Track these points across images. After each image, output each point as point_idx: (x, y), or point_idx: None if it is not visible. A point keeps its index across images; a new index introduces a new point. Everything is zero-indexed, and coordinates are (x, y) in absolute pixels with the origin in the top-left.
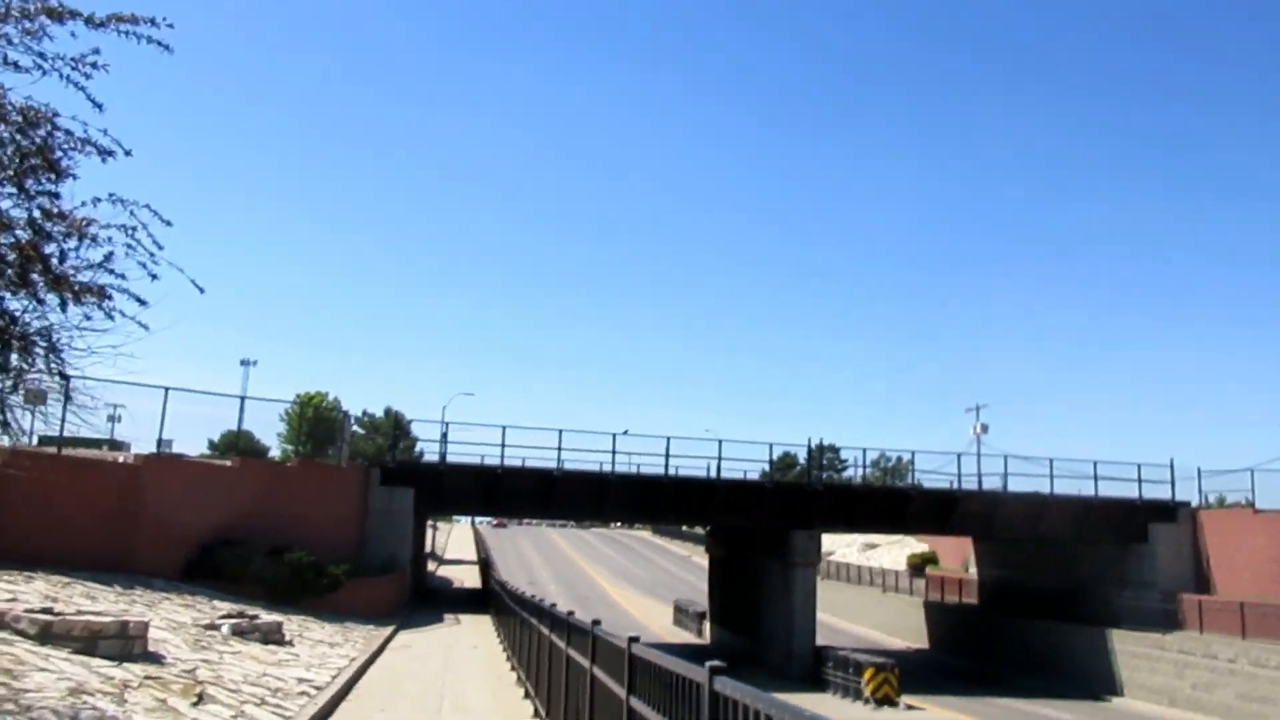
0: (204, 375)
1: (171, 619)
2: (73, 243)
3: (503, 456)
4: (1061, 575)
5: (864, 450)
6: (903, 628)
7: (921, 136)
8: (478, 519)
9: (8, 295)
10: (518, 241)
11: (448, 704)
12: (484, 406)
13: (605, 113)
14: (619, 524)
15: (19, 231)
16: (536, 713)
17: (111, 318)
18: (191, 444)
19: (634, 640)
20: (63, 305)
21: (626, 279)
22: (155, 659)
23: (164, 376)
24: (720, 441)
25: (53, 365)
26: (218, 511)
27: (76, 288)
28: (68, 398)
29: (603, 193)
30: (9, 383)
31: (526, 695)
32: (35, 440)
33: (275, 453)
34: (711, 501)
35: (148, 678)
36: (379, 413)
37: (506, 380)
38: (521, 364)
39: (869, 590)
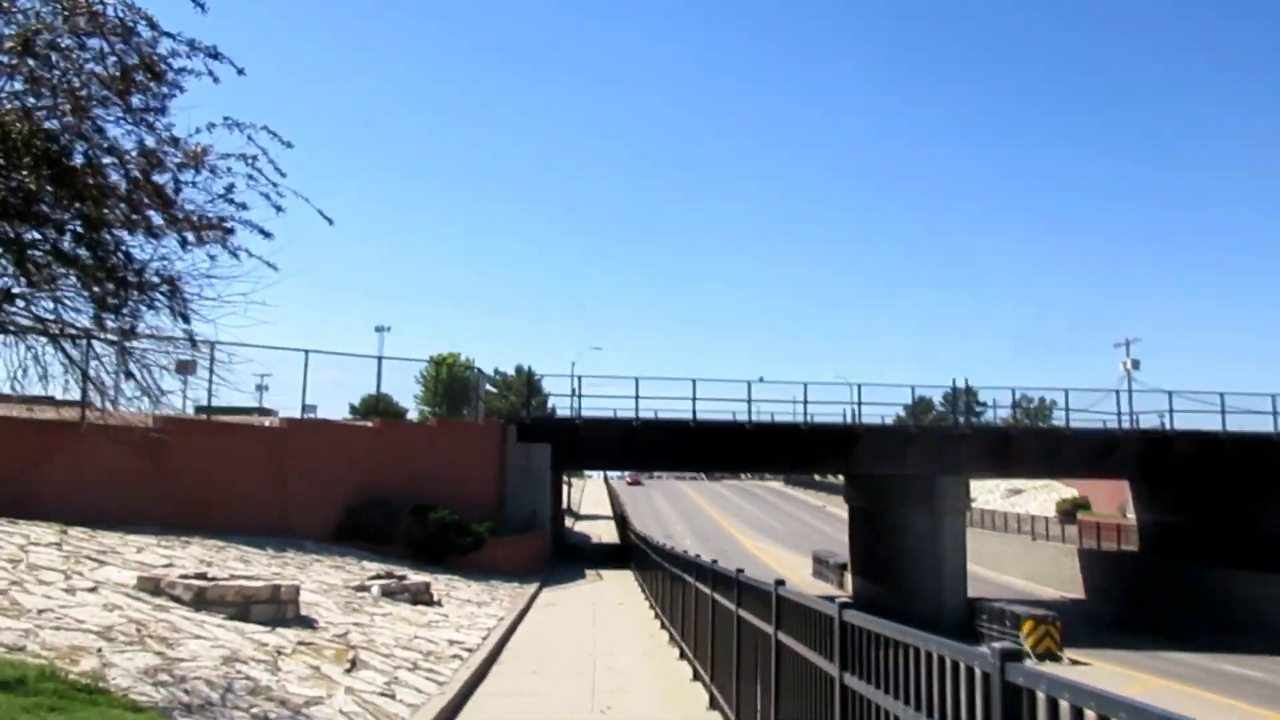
0: (339, 344)
1: (323, 581)
2: (189, 175)
3: (637, 408)
4: (1236, 520)
5: (1012, 390)
6: (1055, 577)
7: (1070, 71)
8: (611, 474)
9: (126, 235)
10: (641, 198)
11: (600, 665)
12: (611, 363)
13: (727, 70)
14: (750, 475)
15: (129, 164)
16: (696, 676)
17: (237, 256)
18: (333, 410)
19: (846, 606)
20: (182, 243)
21: (752, 230)
22: (308, 623)
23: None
24: (859, 386)
25: (176, 308)
26: (362, 472)
27: (196, 220)
28: (212, 359)
29: (723, 147)
30: (127, 322)
31: (683, 656)
32: (190, 409)
33: (413, 415)
34: (852, 448)
35: (300, 643)
36: (510, 371)
37: (634, 336)
38: (648, 319)
39: (1016, 538)
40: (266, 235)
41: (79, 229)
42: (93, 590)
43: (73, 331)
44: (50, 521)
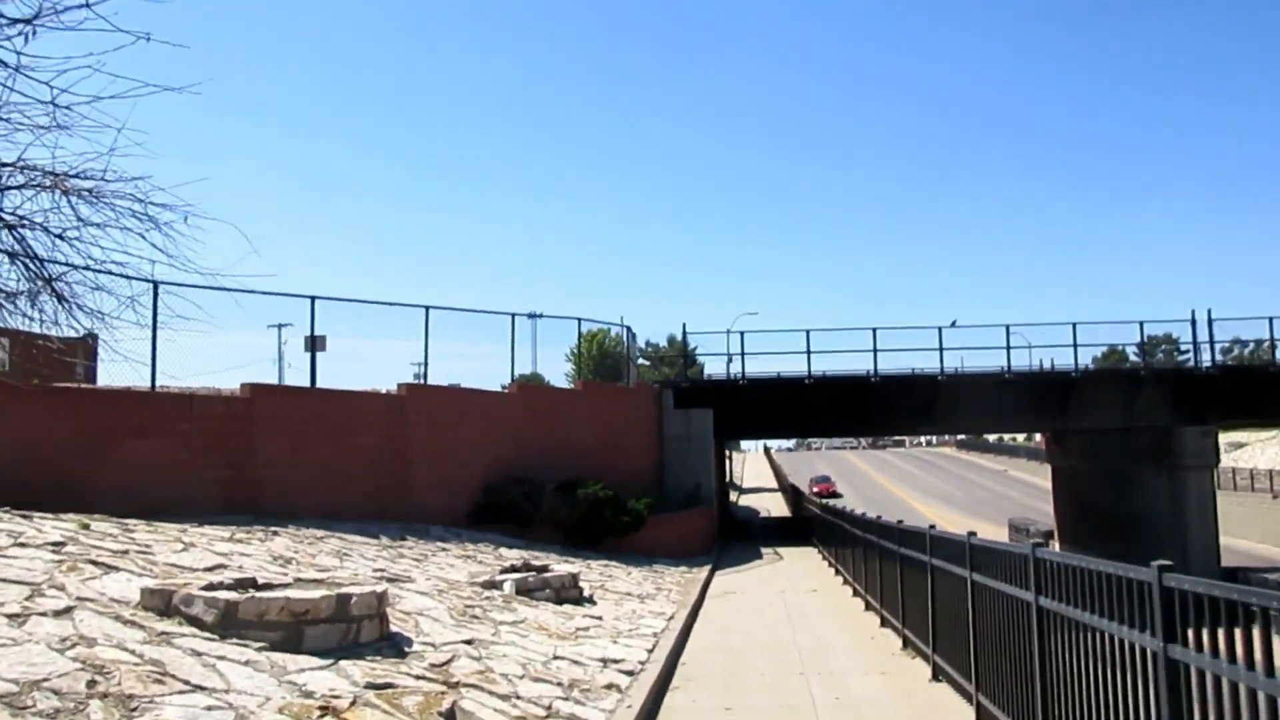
0: (492, 336)
1: (442, 577)
2: None
3: (809, 365)
4: None
5: (1270, 320)
6: None
7: None
8: (773, 443)
9: None
10: (789, 167)
11: (820, 693)
12: (768, 325)
13: (857, 36)
14: (926, 439)
15: None
16: (981, 714)
17: None
18: None
19: None
20: None
21: (912, 188)
22: (396, 646)
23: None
24: (1073, 325)
25: None
26: (500, 446)
27: None
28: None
29: (858, 119)
30: None
31: (939, 677)
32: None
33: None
34: (1068, 398)
35: (372, 685)
36: (663, 343)
37: (790, 308)
38: (808, 289)
39: (1249, 496)
40: None
41: None
42: (62, 613)
43: None
44: (108, 514)
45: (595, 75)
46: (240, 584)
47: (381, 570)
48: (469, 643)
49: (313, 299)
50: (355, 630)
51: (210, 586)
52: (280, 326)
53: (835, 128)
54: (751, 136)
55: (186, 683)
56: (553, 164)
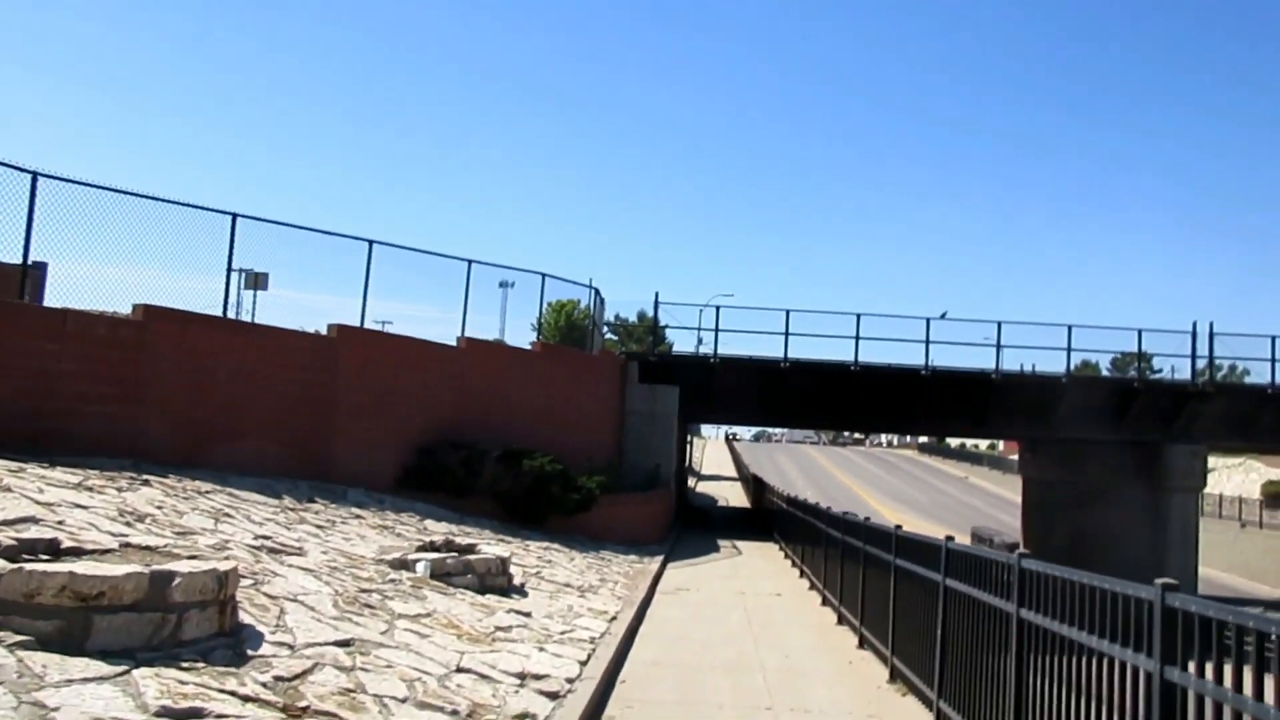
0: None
1: (343, 551)
2: None
3: (785, 349)
4: None
5: (1273, 339)
6: (1272, 571)
7: None
8: (735, 430)
9: None
10: (776, 148)
11: None
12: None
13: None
14: (887, 439)
15: None
16: None
17: None
18: None
19: None
20: None
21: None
22: (236, 646)
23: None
24: (1069, 327)
25: None
26: (441, 406)
27: None
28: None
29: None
30: None
31: None
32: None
33: None
34: (1056, 406)
35: (165, 713)
36: (632, 317)
37: (766, 287)
38: (786, 272)
39: (1216, 523)
40: None
41: None
42: None
43: None
44: None
45: (586, 50)
46: (29, 547)
47: (266, 538)
48: (345, 644)
49: (234, 216)
50: (176, 622)
51: None
52: (240, 272)
53: (830, 118)
54: (739, 116)
55: None
56: (531, 131)
